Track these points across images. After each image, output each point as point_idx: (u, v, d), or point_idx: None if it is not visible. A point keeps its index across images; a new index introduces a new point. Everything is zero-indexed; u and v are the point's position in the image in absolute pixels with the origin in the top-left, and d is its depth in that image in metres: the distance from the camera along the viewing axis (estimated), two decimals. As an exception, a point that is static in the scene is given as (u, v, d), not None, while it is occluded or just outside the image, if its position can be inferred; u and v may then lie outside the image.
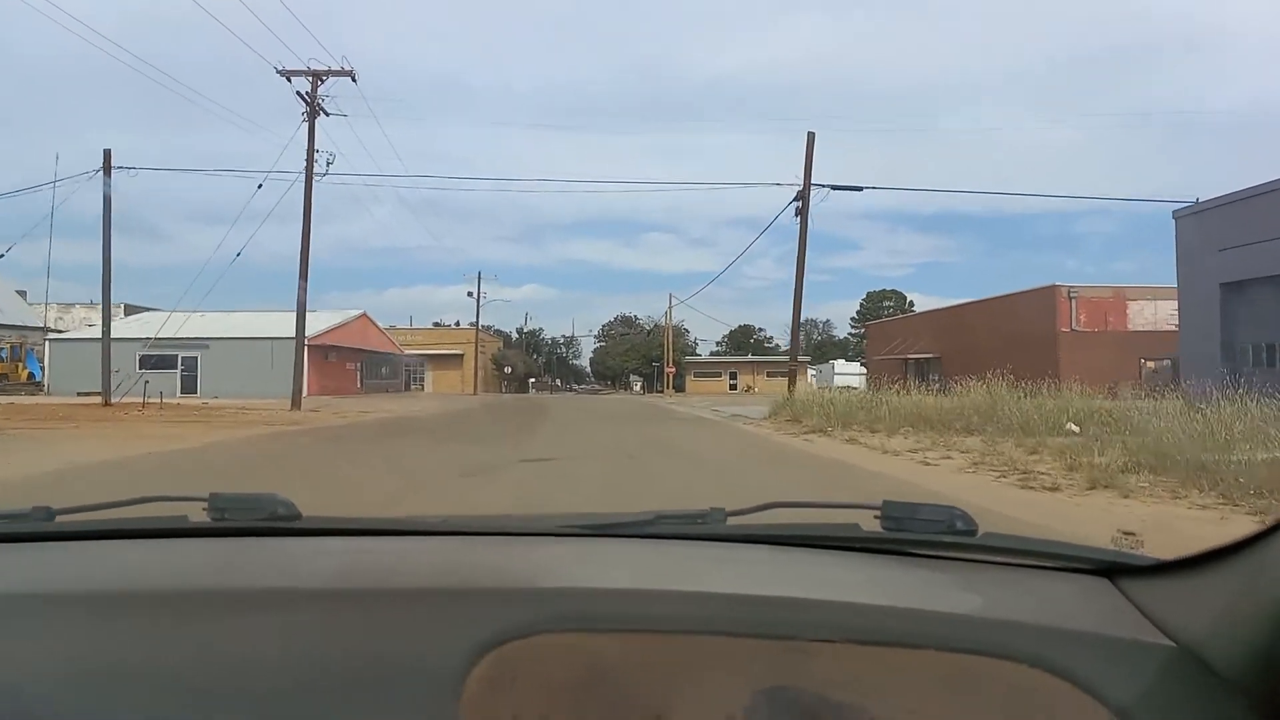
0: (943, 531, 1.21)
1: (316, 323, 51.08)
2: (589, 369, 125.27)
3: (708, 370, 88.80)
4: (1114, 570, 1.13)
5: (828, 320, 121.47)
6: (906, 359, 60.92)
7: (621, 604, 0.99)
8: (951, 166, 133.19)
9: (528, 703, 0.83)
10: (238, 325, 49.11)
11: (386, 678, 0.85)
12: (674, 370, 70.39)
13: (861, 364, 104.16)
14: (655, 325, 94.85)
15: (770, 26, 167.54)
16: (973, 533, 1.21)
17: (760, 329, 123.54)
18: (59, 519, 1.38)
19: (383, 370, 64.23)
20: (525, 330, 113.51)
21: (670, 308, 67.84)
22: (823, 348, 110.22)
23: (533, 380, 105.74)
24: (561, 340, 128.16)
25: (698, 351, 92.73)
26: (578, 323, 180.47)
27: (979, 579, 1.13)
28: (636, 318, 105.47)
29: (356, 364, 57.44)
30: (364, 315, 59.51)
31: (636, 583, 1.09)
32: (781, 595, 1.02)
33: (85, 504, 1.41)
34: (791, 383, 30.17)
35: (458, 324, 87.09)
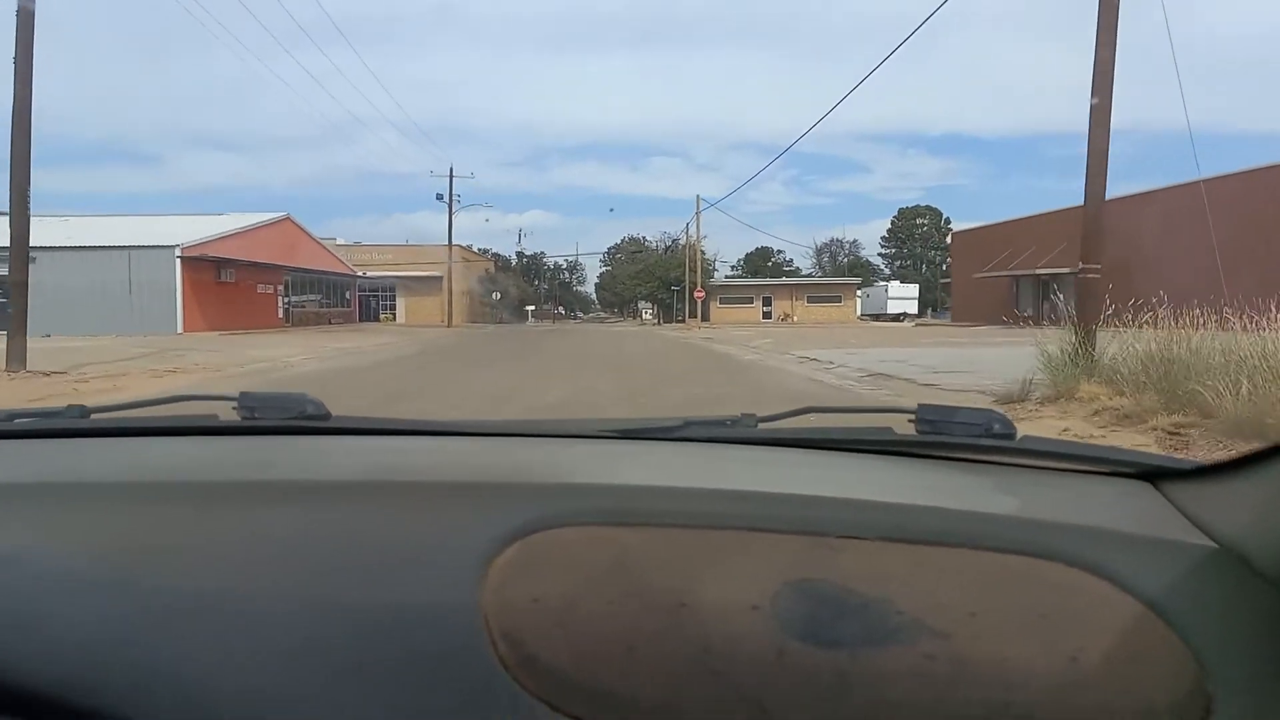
0: (980, 435, 1.17)
1: (195, 228, 36.42)
2: (594, 296, 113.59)
3: (735, 295, 74.26)
4: (1157, 474, 1.10)
5: (854, 240, 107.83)
6: (1017, 276, 45.84)
7: (648, 499, 0.99)
8: (962, 85, 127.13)
9: (551, 587, 0.85)
10: (82, 233, 34.70)
11: (413, 562, 0.88)
12: (703, 294, 55.73)
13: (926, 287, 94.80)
14: (674, 242, 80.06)
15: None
16: (1011, 435, 1.17)
17: (779, 251, 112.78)
18: (93, 416, 1.40)
19: (322, 296, 49.66)
20: (522, 252, 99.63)
21: (698, 212, 53.19)
22: (854, 270, 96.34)
23: (531, 309, 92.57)
24: (565, 264, 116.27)
25: (714, 273, 78.05)
26: (584, 248, 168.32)
27: (1017, 481, 1.11)
28: (646, 239, 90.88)
29: (275, 286, 42.69)
30: (287, 219, 44.45)
31: (664, 480, 1.09)
32: (809, 494, 1.00)
33: (119, 402, 1.46)
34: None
35: (466, 246, 72.43)
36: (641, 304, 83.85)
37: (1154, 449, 5.82)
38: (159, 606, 0.83)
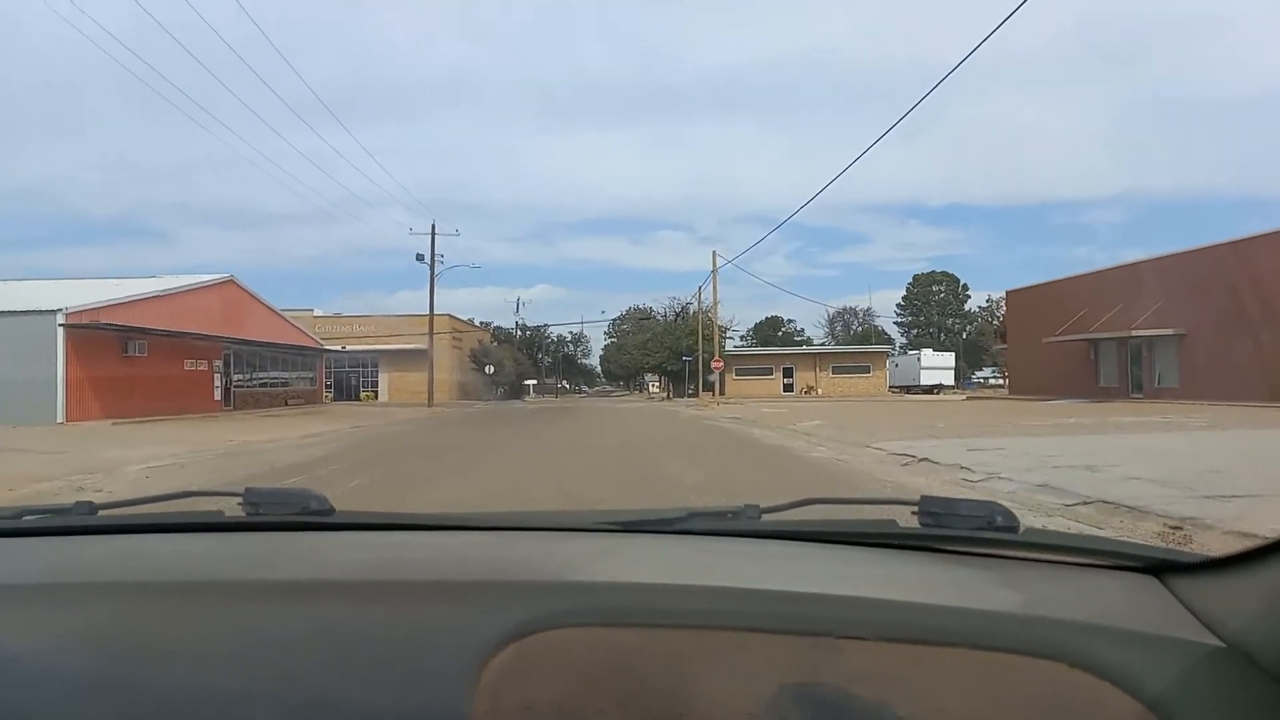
0: (982, 528, 1.17)
1: (99, 293, 29.67)
2: (599, 369, 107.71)
3: (752, 366, 67.46)
4: (1162, 567, 1.09)
5: (869, 308, 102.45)
6: (1097, 339, 38.67)
7: (645, 598, 0.99)
8: (961, 156, 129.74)
9: (544, 692, 0.84)
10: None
11: (408, 664, 0.88)
12: (721, 365, 48.68)
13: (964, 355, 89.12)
14: (684, 308, 73.30)
15: (770, 20, 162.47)
16: (1014, 529, 1.17)
17: (790, 320, 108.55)
18: (101, 513, 1.41)
19: (279, 373, 42.78)
20: (524, 324, 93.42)
21: (714, 270, 46.41)
22: (867, 339, 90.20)
23: (533, 383, 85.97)
24: (569, 337, 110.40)
25: (725, 343, 71.41)
26: (589, 323, 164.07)
27: (1020, 576, 1.10)
28: (651, 310, 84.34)
29: (211, 362, 35.56)
30: (230, 283, 37.62)
31: (662, 577, 1.08)
32: (811, 591, 1.00)
33: (126, 499, 1.49)
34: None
35: (472, 320, 65.77)
36: (648, 376, 77.03)
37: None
38: (152, 708, 0.84)
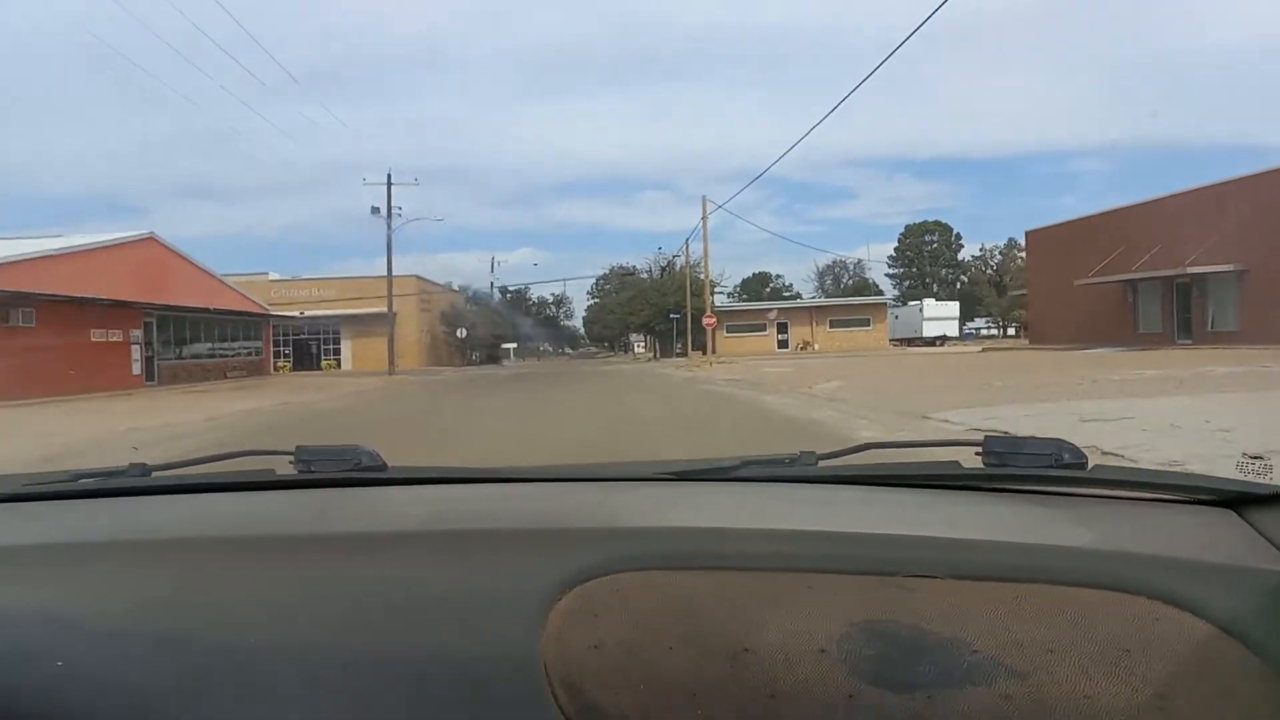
0: (1050, 465, 1.13)
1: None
2: (583, 331, 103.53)
3: (744, 322, 63.03)
4: (1238, 500, 1.06)
5: (859, 260, 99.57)
6: (1136, 280, 34.32)
7: (708, 542, 0.98)
8: (949, 111, 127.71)
9: (610, 633, 0.85)
10: None
11: (472, 610, 0.88)
12: (714, 320, 43.97)
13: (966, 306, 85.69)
14: (670, 262, 68.58)
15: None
16: (1083, 465, 1.13)
17: (778, 275, 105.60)
18: (154, 475, 1.42)
19: (218, 343, 38.11)
20: (504, 288, 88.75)
21: (705, 216, 41.58)
22: (861, 292, 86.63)
23: (513, 347, 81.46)
24: (551, 299, 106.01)
25: (714, 297, 67.01)
26: (574, 284, 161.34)
27: (1091, 513, 1.07)
28: (635, 268, 79.48)
29: (130, 331, 30.44)
30: (151, 240, 32.76)
31: (722, 522, 1.06)
32: (876, 532, 0.99)
33: (179, 460, 1.47)
34: None
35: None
36: (633, 337, 72.62)
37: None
38: (214, 660, 0.84)
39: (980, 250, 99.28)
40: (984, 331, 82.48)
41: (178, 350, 34.76)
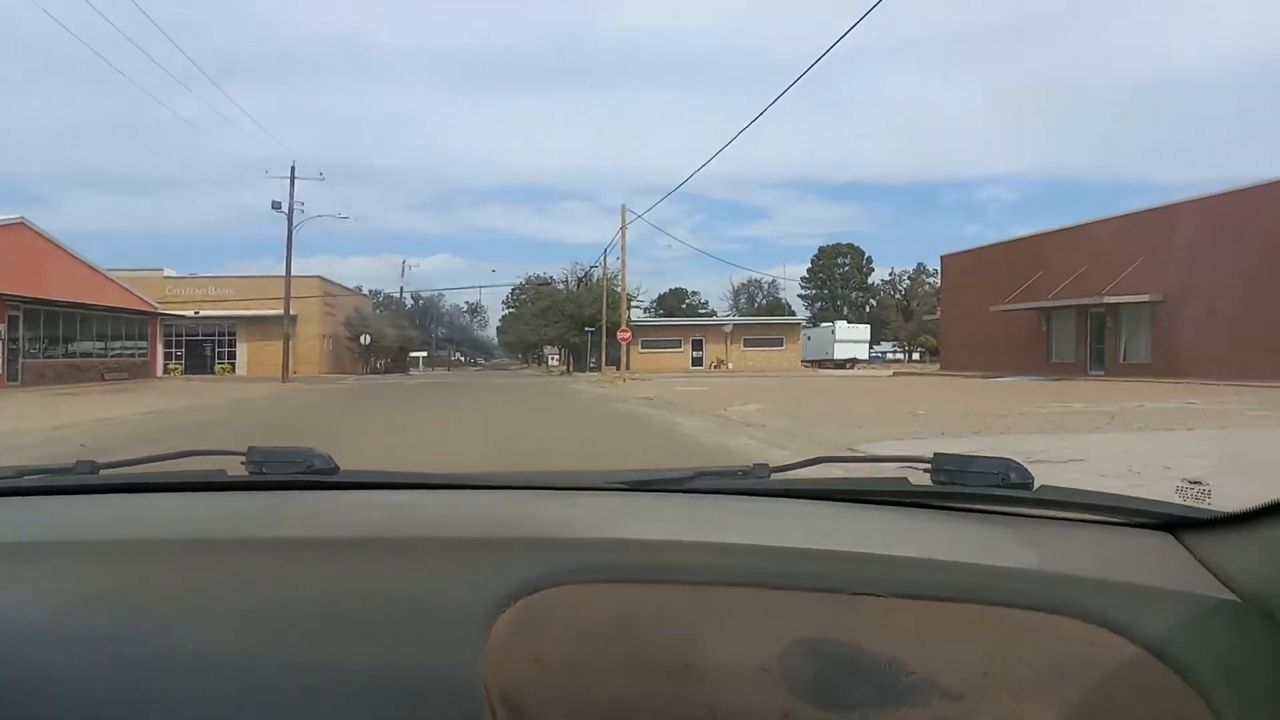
0: (996, 485, 1.15)
1: None
2: (496, 340, 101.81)
3: (660, 339, 62.17)
4: (1177, 524, 1.08)
5: (773, 280, 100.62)
6: (1050, 309, 34.32)
7: (653, 554, 0.99)
8: (859, 133, 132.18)
9: (553, 648, 0.85)
10: None
11: (417, 620, 0.88)
12: (629, 335, 42.74)
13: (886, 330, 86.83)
14: (586, 273, 67.00)
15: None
16: (1029, 485, 1.16)
17: (694, 292, 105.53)
18: (102, 473, 1.41)
19: (98, 341, 35.33)
20: (416, 294, 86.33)
21: (624, 225, 40.29)
22: (774, 312, 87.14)
23: (423, 355, 79.11)
24: (465, 307, 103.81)
25: (631, 311, 65.94)
26: (492, 293, 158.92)
27: (1034, 534, 1.09)
28: (552, 278, 77.60)
29: None
30: (21, 225, 30.11)
31: (671, 534, 1.08)
32: (822, 548, 1.00)
33: (127, 458, 1.45)
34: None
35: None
36: (547, 349, 71.01)
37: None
38: (155, 666, 0.84)
39: (889, 275, 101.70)
40: (890, 355, 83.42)
41: (48, 348, 32.03)
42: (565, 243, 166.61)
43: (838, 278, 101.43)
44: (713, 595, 0.90)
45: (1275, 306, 25.38)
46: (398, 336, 65.08)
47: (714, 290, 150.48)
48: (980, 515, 1.15)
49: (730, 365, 59.79)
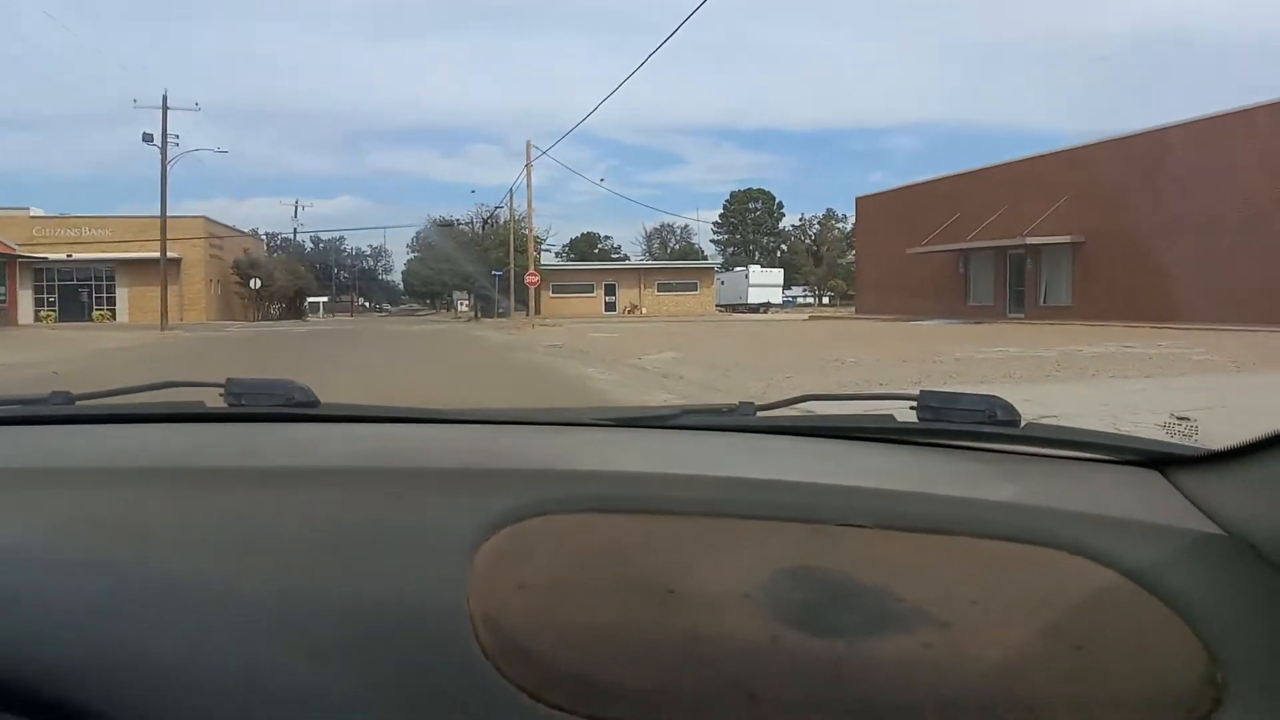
0: (983, 422, 1.14)
1: None
2: (402, 285, 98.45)
3: (572, 283, 60.27)
4: (1165, 461, 1.08)
5: (686, 226, 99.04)
6: (968, 250, 33.54)
7: (640, 486, 0.99)
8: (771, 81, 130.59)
9: (538, 574, 0.86)
10: None
11: (400, 547, 0.88)
12: (537, 279, 40.61)
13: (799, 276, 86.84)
14: (492, 213, 64.15)
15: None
16: (1015, 423, 1.14)
17: (606, 236, 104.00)
18: (78, 404, 1.39)
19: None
20: (316, 237, 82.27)
21: (529, 164, 37.93)
22: (687, 257, 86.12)
23: (323, 300, 75.74)
24: (368, 251, 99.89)
25: (541, 255, 63.63)
26: (398, 236, 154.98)
27: (1020, 469, 1.09)
28: (458, 221, 74.16)
29: None
30: None
31: (658, 467, 1.08)
32: (808, 481, 1.00)
33: (104, 389, 1.44)
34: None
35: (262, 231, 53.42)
36: (457, 294, 68.32)
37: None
38: (137, 590, 0.83)
39: (800, 220, 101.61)
40: (801, 300, 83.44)
41: None
42: (475, 185, 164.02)
43: (749, 223, 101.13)
44: (698, 526, 0.90)
45: (1194, 248, 24.88)
46: (293, 281, 61.77)
47: (627, 235, 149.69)
48: (967, 451, 1.13)
49: (644, 310, 58.36)
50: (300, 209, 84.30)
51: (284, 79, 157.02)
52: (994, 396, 1.17)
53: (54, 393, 1.39)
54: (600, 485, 0.99)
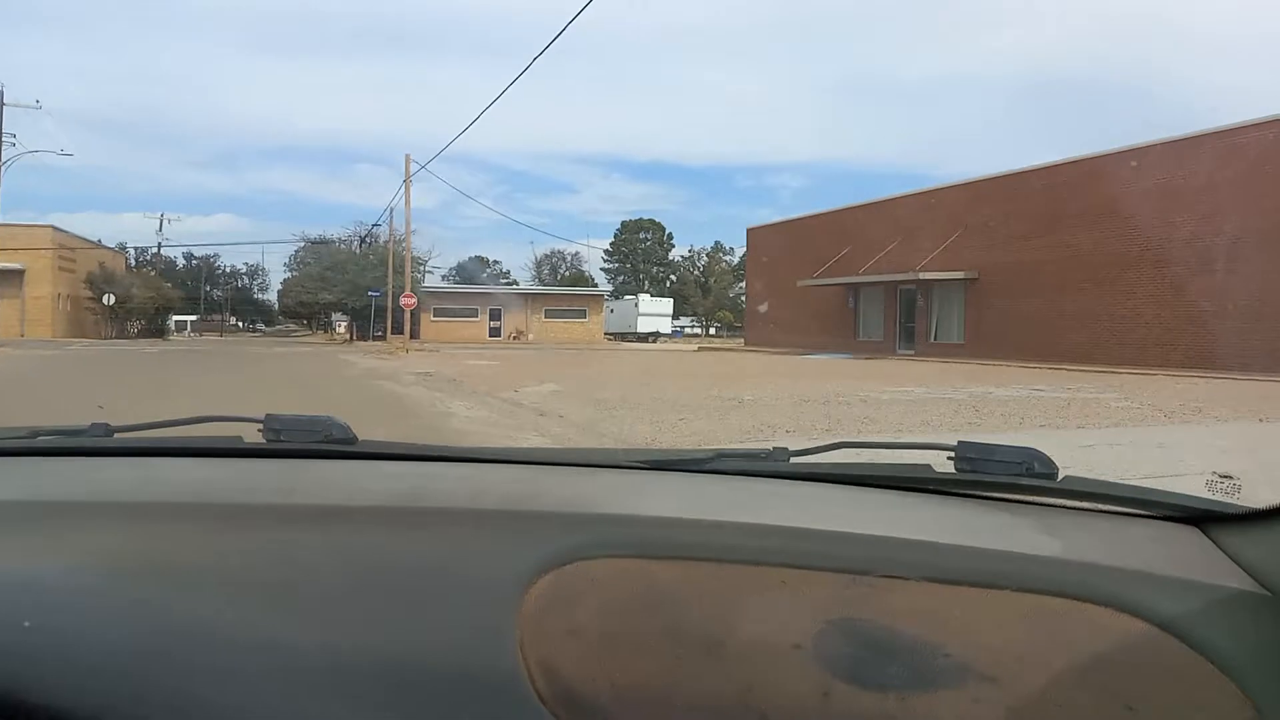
0: (1021, 474, 1.14)
1: None
2: (278, 305, 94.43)
3: (454, 305, 57.74)
4: (1204, 518, 1.07)
5: (577, 253, 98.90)
6: (858, 285, 32.88)
7: (681, 532, 0.98)
8: (664, 115, 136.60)
9: (587, 620, 0.84)
10: None
11: (445, 589, 0.87)
12: (413, 300, 38.37)
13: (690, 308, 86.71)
14: (370, 231, 60.96)
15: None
16: (1053, 476, 1.14)
17: (495, 260, 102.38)
18: (116, 435, 1.38)
19: None
20: (190, 254, 77.52)
21: (408, 179, 35.58)
22: (577, 284, 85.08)
23: (192, 319, 71.41)
24: (244, 269, 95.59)
25: (424, 278, 60.97)
26: (277, 257, 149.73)
27: (1059, 523, 1.08)
28: (338, 241, 70.31)
29: None
30: None
31: (697, 513, 1.06)
32: (850, 531, 0.99)
33: (141, 422, 1.42)
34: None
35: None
36: (335, 316, 64.82)
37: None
38: (174, 628, 0.81)
39: (689, 252, 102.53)
40: (689, 330, 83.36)
41: None
42: (361, 206, 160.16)
43: (640, 253, 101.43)
44: (740, 574, 0.89)
45: (1092, 287, 24.55)
46: (153, 297, 57.52)
47: (517, 261, 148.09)
48: (1005, 504, 1.13)
49: (531, 337, 56.45)
50: (166, 223, 79.42)
51: (160, 92, 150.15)
52: (1032, 449, 1.14)
53: (93, 424, 1.36)
54: (640, 529, 0.97)
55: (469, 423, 11.13)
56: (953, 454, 1.17)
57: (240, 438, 1.37)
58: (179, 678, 0.76)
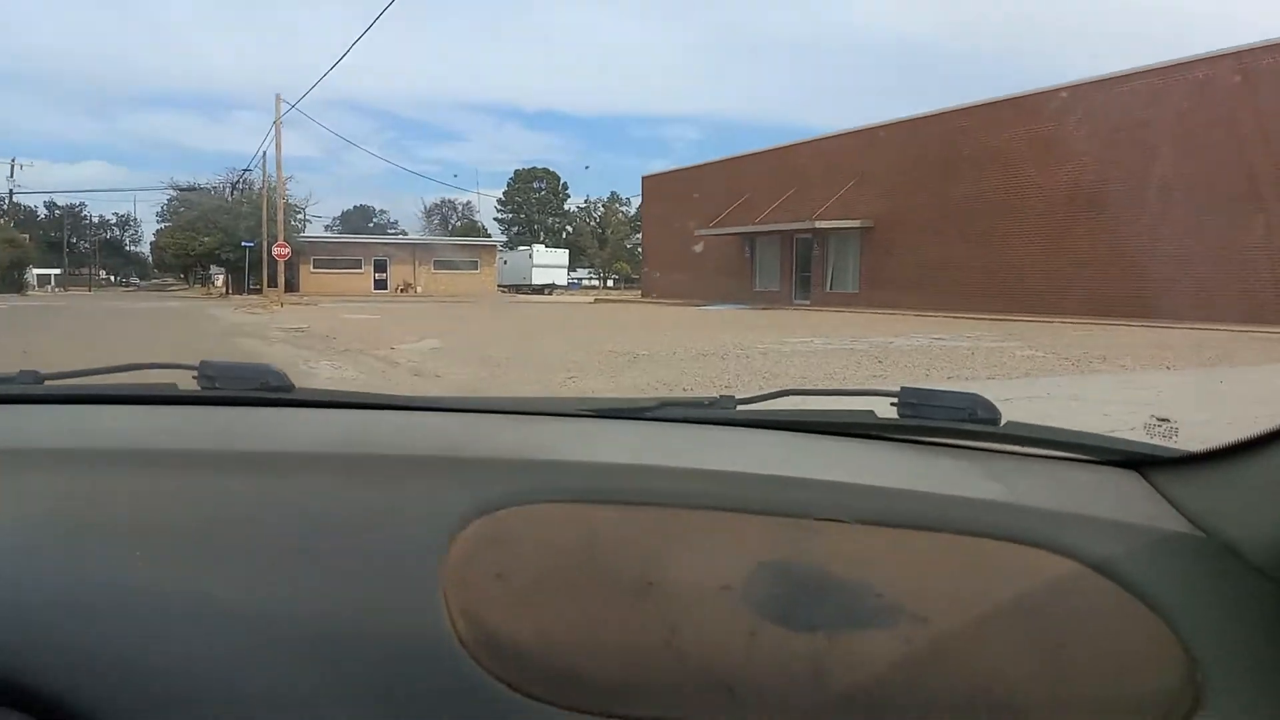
0: (963, 419, 1.14)
1: None
2: (152, 258, 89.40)
3: (336, 259, 55.19)
4: (1144, 462, 1.08)
5: (468, 202, 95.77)
6: (754, 235, 32.26)
7: (621, 478, 0.99)
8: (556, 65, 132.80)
9: (516, 564, 0.85)
10: None
11: (375, 536, 0.88)
12: (287, 251, 36.15)
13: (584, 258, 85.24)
14: (242, 177, 57.61)
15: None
16: (995, 421, 1.14)
17: (382, 210, 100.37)
18: (47, 383, 1.36)
19: None
20: (53, 204, 72.11)
21: (278, 120, 33.21)
22: (469, 234, 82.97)
23: (55, 273, 66.92)
24: (114, 220, 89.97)
25: (305, 227, 58.03)
26: (145, 206, 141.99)
27: (1000, 467, 1.09)
28: (210, 188, 66.03)
29: None
30: None
31: (638, 459, 1.07)
32: (789, 475, 1.00)
33: (72, 370, 1.40)
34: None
35: None
36: (213, 268, 61.32)
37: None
38: (104, 576, 0.81)
39: (585, 202, 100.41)
40: (586, 282, 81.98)
41: None
42: (242, 154, 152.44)
43: (534, 203, 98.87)
44: (678, 519, 0.90)
45: (985, 236, 24.46)
46: (7, 250, 53.38)
47: (405, 211, 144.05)
48: (947, 449, 1.13)
49: (419, 289, 54.40)
50: (18, 168, 73.81)
51: (22, 33, 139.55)
52: (974, 394, 1.15)
53: (22, 371, 1.34)
54: (579, 476, 0.98)
55: (334, 384, 9.98)
56: (896, 400, 1.17)
57: (175, 385, 1.34)
58: (98, 625, 0.76)
